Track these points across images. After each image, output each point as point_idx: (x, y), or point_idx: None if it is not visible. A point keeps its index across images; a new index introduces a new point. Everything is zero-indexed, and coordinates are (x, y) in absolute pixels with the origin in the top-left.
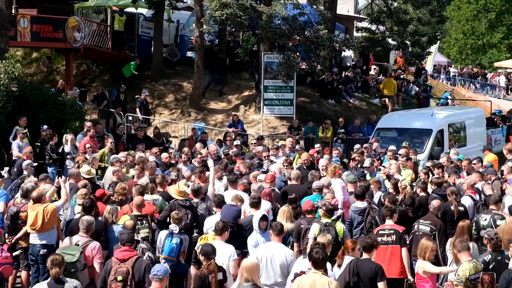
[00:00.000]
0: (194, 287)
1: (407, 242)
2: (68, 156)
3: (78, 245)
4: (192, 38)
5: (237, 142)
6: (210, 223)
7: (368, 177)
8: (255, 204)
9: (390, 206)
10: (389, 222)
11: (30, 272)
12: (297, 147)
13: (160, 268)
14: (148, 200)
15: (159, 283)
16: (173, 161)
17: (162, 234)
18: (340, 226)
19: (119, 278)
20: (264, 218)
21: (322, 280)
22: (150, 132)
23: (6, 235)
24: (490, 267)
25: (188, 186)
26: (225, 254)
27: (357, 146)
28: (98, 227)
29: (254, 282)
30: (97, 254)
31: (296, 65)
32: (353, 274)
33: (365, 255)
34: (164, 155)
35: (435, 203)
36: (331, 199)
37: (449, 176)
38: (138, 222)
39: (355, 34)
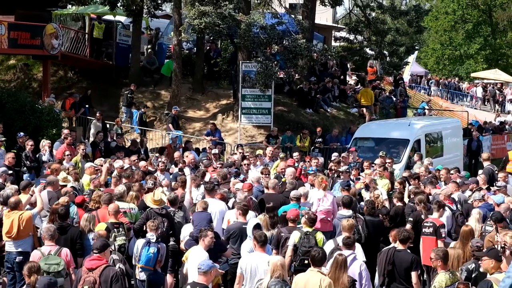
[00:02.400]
0: None
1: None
2: (46, 164)
3: (51, 254)
4: (170, 46)
5: (215, 151)
6: (187, 231)
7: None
8: (244, 212)
9: (439, 201)
10: (434, 216)
11: (6, 280)
12: (281, 155)
13: (204, 263)
14: (124, 208)
15: (203, 276)
16: (152, 169)
17: (139, 243)
18: (320, 236)
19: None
20: (257, 226)
21: (316, 277)
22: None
23: None
24: (473, 275)
25: (166, 195)
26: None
27: (335, 154)
28: (73, 235)
29: (283, 278)
30: (71, 261)
31: (274, 74)
32: (388, 262)
33: (401, 246)
34: (142, 163)
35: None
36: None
37: (424, 187)
38: (115, 229)
39: (333, 43)
